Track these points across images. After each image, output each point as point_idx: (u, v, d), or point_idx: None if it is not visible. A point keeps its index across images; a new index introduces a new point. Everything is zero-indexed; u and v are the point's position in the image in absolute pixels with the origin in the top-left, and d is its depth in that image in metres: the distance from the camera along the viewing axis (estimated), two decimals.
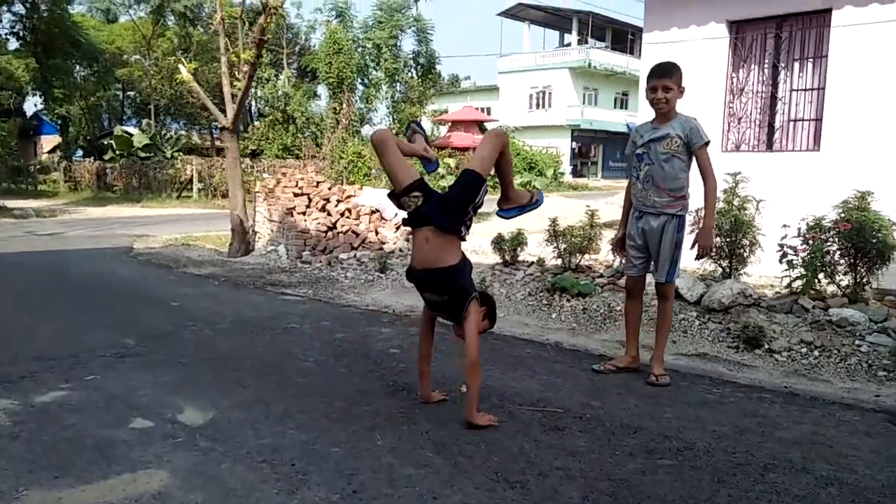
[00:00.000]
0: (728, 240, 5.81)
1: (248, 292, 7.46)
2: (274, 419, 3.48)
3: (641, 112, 7.31)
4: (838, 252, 5.21)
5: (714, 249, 5.24)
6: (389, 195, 3.58)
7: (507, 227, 6.98)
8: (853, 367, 4.60)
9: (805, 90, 7.23)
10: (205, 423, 3.42)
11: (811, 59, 7.15)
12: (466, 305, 3.34)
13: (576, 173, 40.74)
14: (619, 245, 4.58)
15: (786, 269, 5.39)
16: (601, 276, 6.63)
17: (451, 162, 23.46)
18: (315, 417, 3.51)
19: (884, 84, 6.65)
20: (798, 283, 5.35)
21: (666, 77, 4.10)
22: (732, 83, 7.65)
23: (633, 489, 2.74)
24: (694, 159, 4.12)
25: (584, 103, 41.83)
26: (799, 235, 5.32)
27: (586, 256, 6.95)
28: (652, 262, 4.34)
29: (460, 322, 3.37)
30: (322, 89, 31.42)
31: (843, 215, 5.13)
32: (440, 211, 3.34)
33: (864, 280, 5.22)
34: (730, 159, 7.33)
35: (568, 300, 6.27)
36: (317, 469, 2.89)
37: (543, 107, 42.39)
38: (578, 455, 3.06)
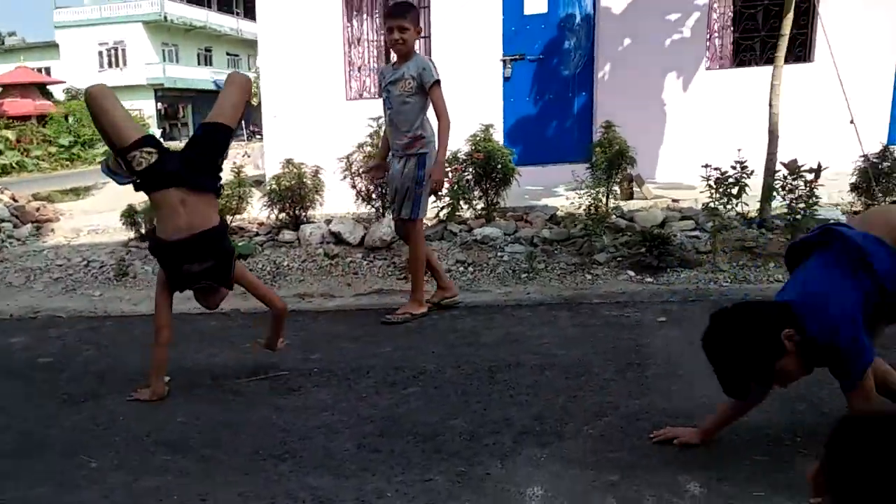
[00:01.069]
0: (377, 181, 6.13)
1: None
2: None
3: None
4: (473, 180, 5.92)
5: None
6: (106, 161, 2.97)
7: (133, 197, 6.18)
8: (502, 274, 5.35)
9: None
10: None
11: (422, 9, 7.80)
12: (234, 264, 3.08)
13: (166, 136, 38.03)
14: (374, 172, 4.77)
15: (434, 201, 5.93)
16: (257, 234, 6.42)
17: (10, 134, 19.67)
18: None
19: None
20: (444, 211, 5.96)
21: (401, 17, 4.03)
22: (349, 33, 7.93)
23: (397, 421, 2.79)
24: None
25: (164, 60, 38.87)
26: None
27: (237, 217, 6.61)
28: (399, 200, 4.30)
29: (229, 285, 3.08)
30: None
31: (474, 147, 5.83)
32: (193, 169, 2.84)
33: (494, 202, 6.07)
34: (355, 107, 7.67)
35: None
36: None
37: (117, 65, 38.16)
38: (330, 408, 2.97)
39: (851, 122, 5.03)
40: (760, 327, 2.11)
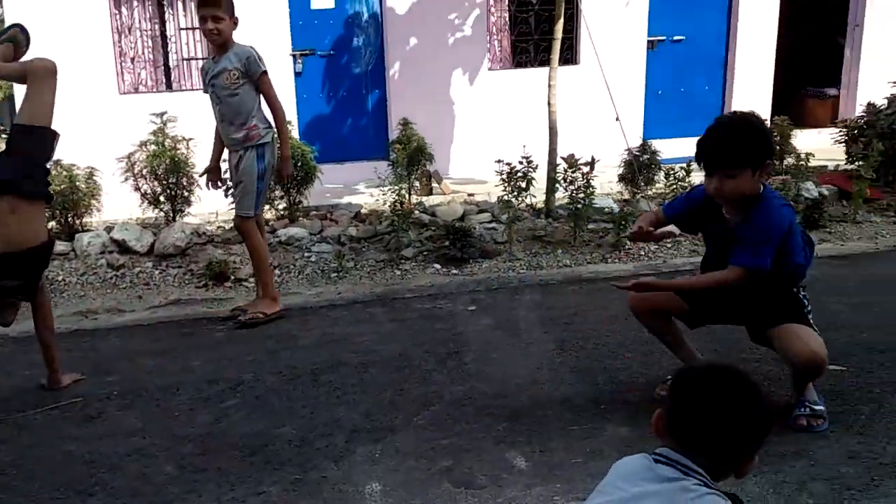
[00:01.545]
0: (165, 182, 5.70)
1: None
2: None
3: None
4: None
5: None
6: None
7: None
8: (311, 275, 5.25)
9: (193, 29, 7.39)
10: None
11: None
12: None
13: None
14: (211, 176, 4.40)
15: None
16: None
17: None
18: None
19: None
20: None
21: (214, 6, 3.80)
22: (117, 21, 7.23)
23: (219, 437, 2.64)
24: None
25: None
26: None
27: None
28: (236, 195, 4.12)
29: (32, 299, 2.83)
30: None
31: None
32: (23, 174, 2.54)
33: (297, 201, 5.93)
34: (130, 101, 7.04)
35: None
36: None
37: None
38: (139, 432, 2.71)
39: (617, 119, 5.65)
40: None
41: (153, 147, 5.60)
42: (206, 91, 4.17)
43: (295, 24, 7.51)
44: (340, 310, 4.36)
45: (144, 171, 5.63)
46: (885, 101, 6.28)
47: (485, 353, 3.41)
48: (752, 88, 8.24)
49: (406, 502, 2.16)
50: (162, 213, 5.86)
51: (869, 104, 6.56)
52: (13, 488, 2.35)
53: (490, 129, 7.59)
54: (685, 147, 7.62)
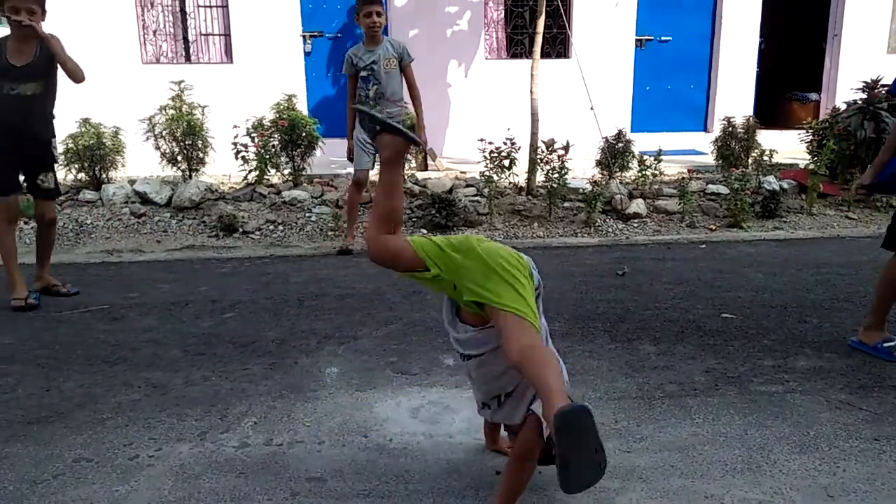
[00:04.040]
0: (183, 143, 6.35)
1: None
2: None
3: None
4: (279, 146, 6.37)
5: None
6: None
7: None
8: (310, 232, 5.89)
9: (210, 7, 8.02)
10: None
11: None
12: None
13: None
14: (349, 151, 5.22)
15: (241, 165, 6.29)
16: None
17: None
18: None
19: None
20: (253, 174, 6.34)
21: (377, 3, 4.79)
22: None
23: (218, 336, 3.28)
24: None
25: None
26: (247, 134, 6.24)
27: None
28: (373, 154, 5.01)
29: None
30: None
31: (278, 115, 6.27)
32: None
33: (301, 168, 6.56)
34: (150, 71, 7.68)
35: None
36: None
37: None
38: (154, 329, 3.37)
39: (591, 108, 6.23)
40: None
41: (171, 112, 6.24)
42: (348, 72, 5.01)
43: (305, 7, 8.13)
44: (332, 258, 5.01)
45: (164, 133, 6.28)
46: (844, 105, 6.81)
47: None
48: (736, 89, 8.76)
49: (355, 381, 2.79)
50: (179, 172, 6.51)
51: (834, 108, 7.09)
52: (57, 358, 3.02)
53: (484, 114, 8.18)
54: (670, 141, 8.22)
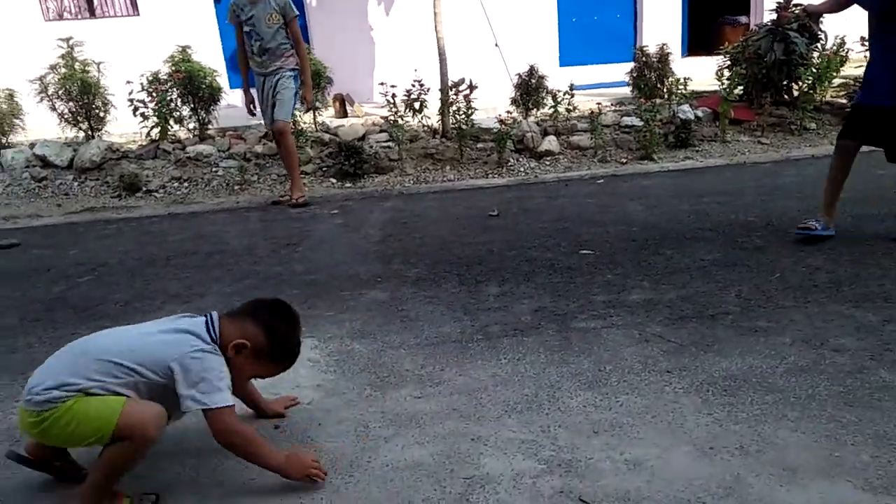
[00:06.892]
0: (80, 102, 6.17)
1: None
2: None
3: None
4: (179, 100, 6.20)
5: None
6: None
7: None
8: (216, 187, 5.82)
9: None
10: None
11: None
12: None
13: None
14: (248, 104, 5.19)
15: (141, 122, 6.14)
16: None
17: None
18: None
19: None
20: (155, 131, 6.20)
21: None
22: None
23: (64, 301, 3.26)
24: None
25: None
26: (143, 90, 6.06)
27: None
28: (271, 108, 4.89)
29: None
30: None
31: (173, 67, 6.08)
32: None
33: (206, 121, 6.42)
34: (55, 27, 7.41)
35: None
36: None
37: None
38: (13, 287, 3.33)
39: (496, 45, 6.09)
40: None
41: (63, 70, 6.04)
42: (232, 22, 4.94)
43: None
44: (225, 214, 4.96)
45: (60, 93, 6.09)
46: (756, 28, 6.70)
47: (318, 244, 4.01)
48: (663, 16, 8.59)
49: None
50: (82, 133, 6.36)
51: (749, 31, 6.97)
52: None
53: (405, 56, 7.98)
54: (599, 73, 8.09)
